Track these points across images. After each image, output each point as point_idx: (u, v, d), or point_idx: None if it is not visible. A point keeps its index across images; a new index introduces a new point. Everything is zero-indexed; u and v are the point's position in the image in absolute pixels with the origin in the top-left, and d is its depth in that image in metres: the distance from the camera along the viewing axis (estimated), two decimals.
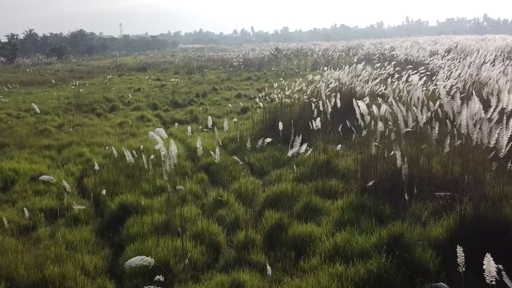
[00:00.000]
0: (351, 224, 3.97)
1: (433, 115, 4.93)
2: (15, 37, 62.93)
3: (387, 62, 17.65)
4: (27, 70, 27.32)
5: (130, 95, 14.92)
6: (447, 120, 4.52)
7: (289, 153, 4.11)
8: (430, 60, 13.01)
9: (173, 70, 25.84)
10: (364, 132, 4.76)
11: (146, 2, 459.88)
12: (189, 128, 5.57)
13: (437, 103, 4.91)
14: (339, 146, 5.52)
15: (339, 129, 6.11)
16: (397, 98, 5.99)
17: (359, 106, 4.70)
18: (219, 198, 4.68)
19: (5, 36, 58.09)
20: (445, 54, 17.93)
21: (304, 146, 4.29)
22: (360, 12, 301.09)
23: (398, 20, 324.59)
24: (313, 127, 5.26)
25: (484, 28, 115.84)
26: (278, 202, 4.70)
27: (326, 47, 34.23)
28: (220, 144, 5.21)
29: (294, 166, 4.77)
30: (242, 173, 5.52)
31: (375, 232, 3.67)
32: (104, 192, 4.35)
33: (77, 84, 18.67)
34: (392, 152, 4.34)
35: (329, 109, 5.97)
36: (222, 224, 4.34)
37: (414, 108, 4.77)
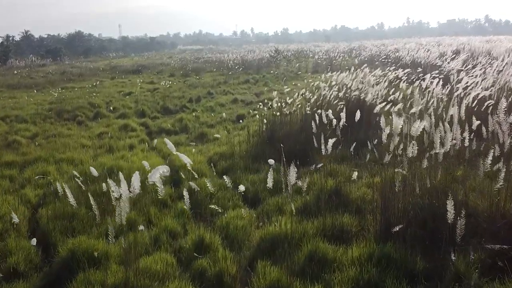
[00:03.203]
0: None
1: (473, 135, 3.88)
2: (11, 38, 61.82)
3: (393, 65, 16.63)
4: (14, 72, 26.26)
5: (118, 100, 13.88)
6: (497, 146, 3.46)
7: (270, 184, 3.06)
8: (447, 63, 11.89)
9: (169, 72, 24.77)
10: (388, 158, 3.69)
11: (146, 4, 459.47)
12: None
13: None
14: (355, 175, 4.40)
15: (351, 148, 5.03)
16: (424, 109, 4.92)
17: (391, 123, 3.59)
18: (195, 254, 3.60)
19: (0, 37, 57.02)
20: (454, 56, 16.90)
21: (294, 174, 3.17)
22: (360, 13, 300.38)
23: (399, 21, 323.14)
24: (324, 149, 4.16)
25: (486, 29, 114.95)
26: (275, 249, 3.64)
27: (328, 49, 33.20)
28: (194, 174, 4.13)
29: (293, 206, 3.69)
30: (221, 210, 4.40)
31: None
32: (34, 241, 3.24)
33: (61, 89, 17.61)
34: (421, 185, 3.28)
35: (342, 122, 4.90)
36: (201, 283, 3.28)
37: (447, 125, 3.69)
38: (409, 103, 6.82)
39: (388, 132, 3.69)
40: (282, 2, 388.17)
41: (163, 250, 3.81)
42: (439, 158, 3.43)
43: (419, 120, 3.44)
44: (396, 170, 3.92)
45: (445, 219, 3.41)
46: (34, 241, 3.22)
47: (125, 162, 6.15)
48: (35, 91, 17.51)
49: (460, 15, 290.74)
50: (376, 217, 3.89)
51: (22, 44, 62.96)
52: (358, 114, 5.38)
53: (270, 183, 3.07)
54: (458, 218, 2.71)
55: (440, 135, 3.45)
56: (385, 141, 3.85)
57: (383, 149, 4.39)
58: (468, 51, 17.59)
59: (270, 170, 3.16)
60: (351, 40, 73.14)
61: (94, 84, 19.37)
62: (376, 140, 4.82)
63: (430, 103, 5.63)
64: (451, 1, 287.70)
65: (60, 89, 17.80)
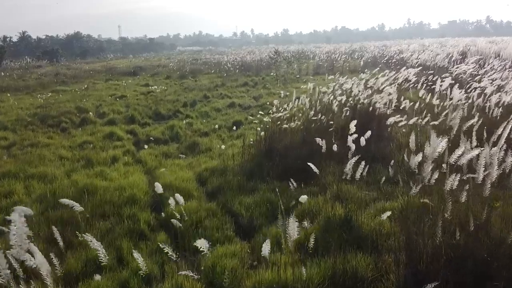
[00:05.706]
0: None
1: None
2: (8, 39, 61.10)
3: (398, 66, 15.85)
4: (2, 73, 25.47)
5: (109, 104, 13.12)
6: None
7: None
8: (456, 66, 11.11)
9: (165, 74, 24.00)
10: (416, 189, 2.90)
11: (147, 5, 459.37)
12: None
13: None
14: (386, 215, 3.59)
15: (363, 169, 4.21)
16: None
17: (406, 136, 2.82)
18: None
19: None
20: (461, 58, 16.12)
21: (296, 229, 2.35)
22: (361, 14, 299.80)
23: (400, 22, 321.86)
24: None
25: (487, 30, 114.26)
26: None
27: (329, 50, 32.42)
28: (177, 215, 3.37)
29: (304, 272, 2.91)
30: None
31: None
32: None
33: (51, 92, 16.85)
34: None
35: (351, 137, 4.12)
36: None
37: (494, 148, 2.92)
38: (424, 112, 6.08)
39: (408, 150, 2.92)
40: (282, 3, 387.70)
41: None
42: (485, 192, 2.65)
43: (463, 145, 2.65)
44: (422, 200, 3.18)
45: (488, 268, 2.66)
46: None
47: (101, 181, 5.39)
48: (25, 93, 16.76)
49: (461, 16, 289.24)
50: (398, 261, 3.11)
51: (19, 45, 62.29)
52: (366, 124, 4.65)
53: (266, 252, 2.31)
54: None
55: (485, 160, 2.67)
56: (410, 161, 3.08)
57: (406, 173, 3.64)
58: (475, 53, 16.83)
59: (267, 241, 2.39)
60: (351, 41, 72.36)
61: (86, 86, 18.62)
62: (392, 161, 4.05)
63: (454, 114, 4.85)
64: (452, 2, 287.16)
65: (50, 92, 17.04)
